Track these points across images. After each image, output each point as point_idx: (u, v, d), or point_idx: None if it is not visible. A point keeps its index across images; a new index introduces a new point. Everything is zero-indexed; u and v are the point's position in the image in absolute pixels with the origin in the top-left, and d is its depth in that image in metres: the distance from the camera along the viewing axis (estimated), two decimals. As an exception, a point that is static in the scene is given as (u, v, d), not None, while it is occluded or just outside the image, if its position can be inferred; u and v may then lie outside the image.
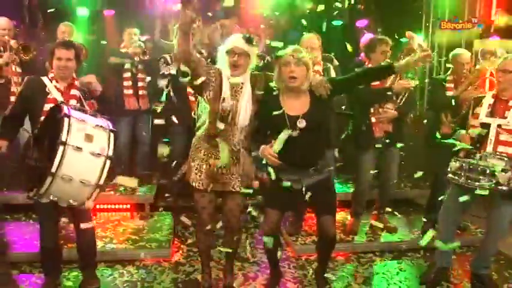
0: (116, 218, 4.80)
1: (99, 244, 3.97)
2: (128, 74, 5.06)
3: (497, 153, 3.27)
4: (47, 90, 3.25)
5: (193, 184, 3.24)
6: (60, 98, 3.22)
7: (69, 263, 3.72)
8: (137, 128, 5.18)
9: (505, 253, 4.23)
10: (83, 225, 3.31)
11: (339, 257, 4.17)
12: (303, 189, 3.13)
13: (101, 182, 2.91)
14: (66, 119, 2.83)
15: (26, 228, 4.37)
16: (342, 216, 4.85)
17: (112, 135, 3.01)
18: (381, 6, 6.62)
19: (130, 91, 5.07)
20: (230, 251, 3.43)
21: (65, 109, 2.89)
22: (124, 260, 3.97)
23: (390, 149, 4.32)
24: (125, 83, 5.08)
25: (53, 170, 2.75)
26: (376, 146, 4.22)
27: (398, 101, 4.24)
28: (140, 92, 5.11)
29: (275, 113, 3.03)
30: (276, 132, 3.03)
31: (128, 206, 4.96)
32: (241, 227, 3.60)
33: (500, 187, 3.12)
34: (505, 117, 3.33)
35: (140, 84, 5.11)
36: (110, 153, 2.93)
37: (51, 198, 2.88)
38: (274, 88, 3.15)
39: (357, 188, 4.63)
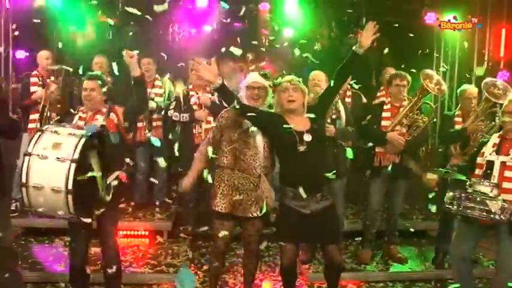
0: (134, 243, 4.96)
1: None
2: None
3: (488, 181, 3.35)
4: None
5: (216, 208, 3.43)
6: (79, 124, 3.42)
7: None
8: (154, 157, 5.36)
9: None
10: (109, 270, 3.46)
11: (350, 286, 4.26)
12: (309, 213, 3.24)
13: (69, 186, 2.90)
14: (37, 133, 3.02)
15: (49, 250, 4.56)
16: (354, 246, 4.96)
17: (83, 139, 3.01)
18: (395, 44, 6.85)
19: (142, 123, 5.32)
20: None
21: (44, 126, 3.10)
22: (142, 284, 4.12)
23: (396, 181, 4.46)
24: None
25: (23, 180, 2.91)
26: (382, 174, 4.35)
27: (408, 134, 4.40)
28: (154, 124, 5.37)
29: (286, 126, 3.24)
30: (285, 150, 3.29)
31: (147, 233, 5.13)
32: (260, 252, 3.76)
33: (493, 216, 3.20)
34: (509, 155, 3.42)
35: (154, 116, 5.37)
36: (75, 156, 2.93)
37: (40, 210, 3.01)
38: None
39: (365, 217, 4.75)
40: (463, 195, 3.35)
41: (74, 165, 2.91)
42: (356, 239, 4.91)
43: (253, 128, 3.38)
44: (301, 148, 3.20)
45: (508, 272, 3.38)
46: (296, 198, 3.25)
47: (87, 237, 3.44)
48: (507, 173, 3.38)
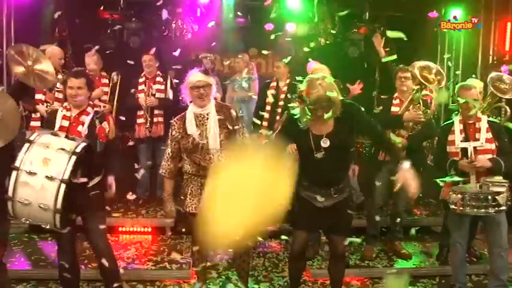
0: (137, 240, 4.97)
1: (122, 264, 4.14)
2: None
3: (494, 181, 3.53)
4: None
5: (187, 209, 3.47)
6: (59, 126, 3.35)
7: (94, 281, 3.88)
8: (157, 153, 5.37)
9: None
10: (104, 267, 3.41)
11: (354, 282, 4.24)
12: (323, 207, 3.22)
13: (58, 206, 2.86)
14: (26, 145, 2.92)
15: (52, 247, 4.52)
16: (359, 242, 4.91)
17: (74, 157, 2.94)
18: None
19: (142, 120, 5.35)
20: None
21: (30, 135, 2.99)
22: (145, 280, 4.10)
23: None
24: (139, 112, 5.38)
25: (9, 194, 2.85)
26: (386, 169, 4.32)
27: (410, 129, 4.36)
28: (155, 120, 5.37)
29: (301, 126, 3.10)
30: (303, 154, 3.19)
31: (149, 229, 5.13)
32: (248, 248, 3.71)
33: (501, 208, 3.43)
34: (478, 139, 3.63)
35: (156, 112, 5.38)
36: (66, 176, 2.87)
37: (23, 220, 2.98)
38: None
39: (369, 212, 4.73)
40: (466, 196, 3.48)
41: (63, 186, 2.86)
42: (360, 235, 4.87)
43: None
44: (319, 155, 3.10)
45: (501, 243, 3.63)
46: (309, 189, 3.23)
47: (72, 234, 3.36)
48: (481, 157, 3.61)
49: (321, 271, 4.27)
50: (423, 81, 4.31)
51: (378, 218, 4.50)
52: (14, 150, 3.26)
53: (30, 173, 2.85)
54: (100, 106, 5.06)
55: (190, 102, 3.50)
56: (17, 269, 4.12)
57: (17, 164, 2.86)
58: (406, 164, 3.01)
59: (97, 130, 3.40)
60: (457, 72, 6.71)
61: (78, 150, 2.97)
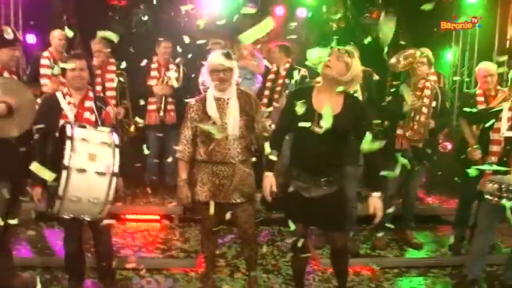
0: (145, 227, 4.93)
1: (129, 252, 4.14)
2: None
3: None
4: (61, 106, 3.29)
5: (197, 197, 3.40)
6: (71, 114, 3.27)
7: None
8: (167, 140, 5.32)
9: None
10: (102, 264, 3.48)
11: (364, 272, 4.16)
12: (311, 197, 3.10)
13: (110, 198, 2.98)
14: (68, 142, 2.88)
15: (60, 234, 4.51)
16: (369, 231, 4.83)
17: (117, 150, 3.04)
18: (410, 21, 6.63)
19: (154, 106, 5.30)
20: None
21: (68, 131, 2.93)
22: (152, 269, 4.05)
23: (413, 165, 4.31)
24: (151, 99, 5.32)
25: (60, 193, 2.86)
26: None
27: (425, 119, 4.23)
28: (168, 107, 5.31)
29: (300, 103, 2.97)
30: (300, 128, 2.99)
31: (158, 217, 5.09)
32: (256, 236, 3.71)
33: None
34: None
35: (169, 99, 5.32)
36: (116, 169, 2.98)
37: (66, 215, 3.00)
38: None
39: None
40: (503, 187, 3.27)
41: (114, 179, 2.98)
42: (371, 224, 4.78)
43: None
44: (317, 129, 2.95)
45: None
46: (299, 179, 3.11)
47: (79, 222, 3.30)
48: None
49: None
50: None
51: (390, 210, 4.41)
52: (27, 144, 3.25)
53: (81, 170, 2.89)
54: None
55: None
56: (23, 256, 4.10)
57: (65, 162, 2.86)
58: (378, 194, 3.03)
59: (103, 115, 3.35)
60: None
61: (117, 142, 3.08)
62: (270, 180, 3.10)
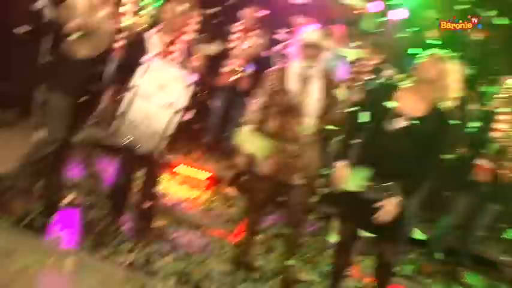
0: (194, 183, 4.83)
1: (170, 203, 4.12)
2: None
3: None
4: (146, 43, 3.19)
5: (258, 168, 3.27)
6: (157, 49, 3.16)
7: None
8: (233, 105, 5.26)
9: None
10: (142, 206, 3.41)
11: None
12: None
13: (168, 133, 2.94)
14: (141, 67, 2.88)
15: (109, 165, 4.44)
16: (417, 255, 4.51)
17: (190, 89, 2.99)
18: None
19: (228, 68, 5.22)
20: None
21: (148, 56, 2.94)
22: (191, 224, 3.96)
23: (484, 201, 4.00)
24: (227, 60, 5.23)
25: (119, 112, 2.87)
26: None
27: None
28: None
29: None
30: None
31: (207, 176, 4.96)
32: (303, 223, 3.54)
33: None
34: None
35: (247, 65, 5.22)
36: (180, 106, 2.94)
37: (123, 139, 2.98)
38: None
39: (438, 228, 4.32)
40: None
41: (177, 116, 2.94)
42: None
43: None
44: (387, 126, 2.77)
45: None
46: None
47: (134, 155, 3.21)
48: None
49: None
50: None
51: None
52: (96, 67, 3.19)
53: (145, 96, 2.88)
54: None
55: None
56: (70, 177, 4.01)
57: (133, 83, 2.87)
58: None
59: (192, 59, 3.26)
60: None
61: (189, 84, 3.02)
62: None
